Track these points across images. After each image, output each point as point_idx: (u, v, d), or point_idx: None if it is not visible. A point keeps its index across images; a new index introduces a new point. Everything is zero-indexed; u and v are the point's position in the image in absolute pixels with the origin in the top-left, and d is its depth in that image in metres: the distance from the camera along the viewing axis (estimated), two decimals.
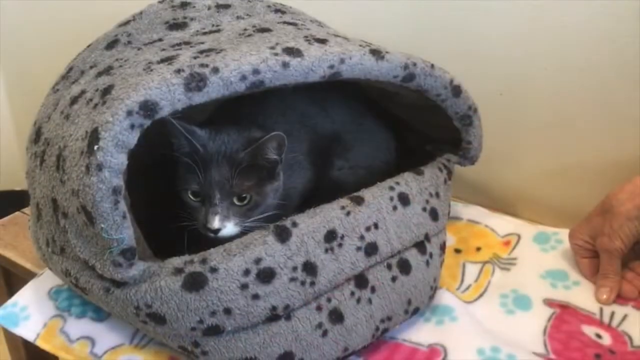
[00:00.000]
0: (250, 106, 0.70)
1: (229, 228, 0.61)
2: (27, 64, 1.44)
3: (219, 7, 0.71)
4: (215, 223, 0.60)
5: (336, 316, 0.58)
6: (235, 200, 0.61)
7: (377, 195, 0.63)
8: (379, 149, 0.79)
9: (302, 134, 0.72)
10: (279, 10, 0.74)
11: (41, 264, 0.76)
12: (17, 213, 0.87)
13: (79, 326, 0.66)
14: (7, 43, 1.45)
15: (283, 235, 0.56)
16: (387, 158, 0.80)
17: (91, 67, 0.63)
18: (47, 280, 0.72)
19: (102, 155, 0.50)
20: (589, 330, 0.66)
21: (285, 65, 0.57)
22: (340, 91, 0.74)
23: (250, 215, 0.62)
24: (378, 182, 0.66)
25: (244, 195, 0.61)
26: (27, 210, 0.88)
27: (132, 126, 0.51)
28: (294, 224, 0.57)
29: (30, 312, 0.69)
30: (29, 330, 0.67)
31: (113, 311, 0.59)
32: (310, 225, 0.57)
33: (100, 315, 0.67)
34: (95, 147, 0.50)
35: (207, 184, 0.60)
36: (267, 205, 0.64)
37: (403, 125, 0.82)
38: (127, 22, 0.69)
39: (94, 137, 0.51)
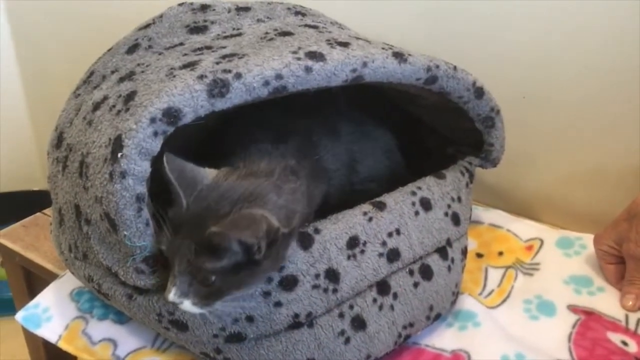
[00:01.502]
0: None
1: (187, 306, 0.51)
2: (46, 67, 1.45)
3: (239, 10, 0.71)
4: (170, 296, 0.51)
5: (359, 323, 0.58)
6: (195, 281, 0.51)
7: (399, 201, 0.62)
8: (383, 154, 0.77)
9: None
10: (299, 13, 0.74)
11: (62, 265, 0.77)
12: (38, 214, 0.87)
13: (101, 328, 0.67)
14: (26, 46, 1.46)
15: (305, 242, 0.56)
16: (390, 162, 0.77)
17: (112, 72, 0.63)
18: (68, 281, 0.73)
19: (125, 163, 0.50)
20: (615, 338, 0.65)
21: (308, 69, 0.57)
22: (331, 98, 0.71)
23: (219, 297, 0.52)
24: (386, 187, 0.65)
25: (204, 277, 0.51)
26: (47, 211, 0.88)
27: (156, 133, 0.51)
28: (316, 231, 0.57)
29: (52, 313, 0.69)
30: (51, 331, 0.67)
31: (135, 317, 0.59)
32: (332, 231, 0.57)
33: (122, 318, 0.67)
34: (119, 155, 0.50)
35: (172, 249, 0.51)
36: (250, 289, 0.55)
37: (424, 127, 0.81)
38: (147, 26, 0.68)
39: (117, 144, 0.51)
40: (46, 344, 0.88)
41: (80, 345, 0.65)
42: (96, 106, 0.57)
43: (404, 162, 0.78)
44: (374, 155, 0.74)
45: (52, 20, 1.36)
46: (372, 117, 0.77)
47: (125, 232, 0.51)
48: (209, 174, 0.56)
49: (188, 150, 0.57)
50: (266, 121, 0.66)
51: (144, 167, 0.51)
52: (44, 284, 0.77)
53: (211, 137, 0.67)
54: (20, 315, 0.70)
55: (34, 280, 0.84)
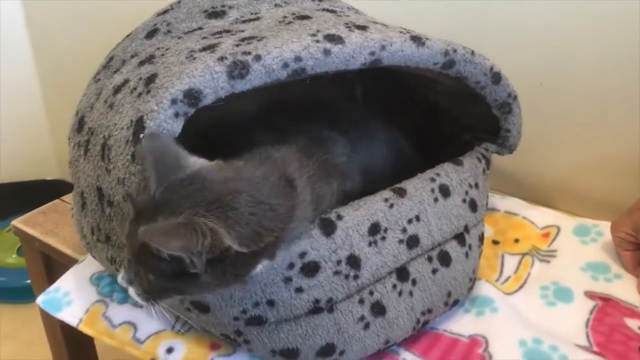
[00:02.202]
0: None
1: (132, 293, 0.52)
2: (61, 57, 1.46)
3: None
4: (119, 278, 0.51)
5: (378, 309, 0.58)
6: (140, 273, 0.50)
7: (419, 187, 0.62)
8: (390, 152, 0.75)
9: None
10: None
11: (82, 250, 0.77)
12: (57, 201, 0.88)
13: (121, 312, 0.67)
14: (40, 36, 1.47)
15: (328, 229, 0.56)
16: (398, 158, 0.75)
17: (132, 57, 0.63)
18: (88, 266, 0.73)
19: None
20: (632, 324, 0.65)
21: (326, 52, 0.57)
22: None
23: (159, 297, 0.52)
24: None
25: (143, 274, 0.50)
26: (66, 197, 0.89)
27: (177, 114, 0.52)
28: (339, 217, 0.57)
29: (73, 297, 0.70)
30: (71, 315, 0.68)
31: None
32: (354, 218, 0.57)
33: None
34: (141, 136, 0.51)
35: (129, 233, 0.49)
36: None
37: (440, 113, 0.81)
38: (165, 11, 0.69)
39: (139, 126, 0.51)
40: (64, 328, 0.89)
41: (101, 329, 0.66)
42: (117, 89, 0.57)
43: (414, 156, 0.78)
44: (381, 153, 0.73)
45: (67, 10, 1.37)
46: (382, 112, 0.77)
47: None
48: (197, 164, 0.51)
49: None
50: (269, 121, 0.66)
51: None
52: (62, 270, 0.78)
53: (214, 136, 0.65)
54: (40, 300, 0.71)
55: (52, 266, 0.84)
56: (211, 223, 0.47)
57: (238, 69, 0.53)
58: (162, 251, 0.46)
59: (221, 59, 0.53)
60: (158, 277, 0.49)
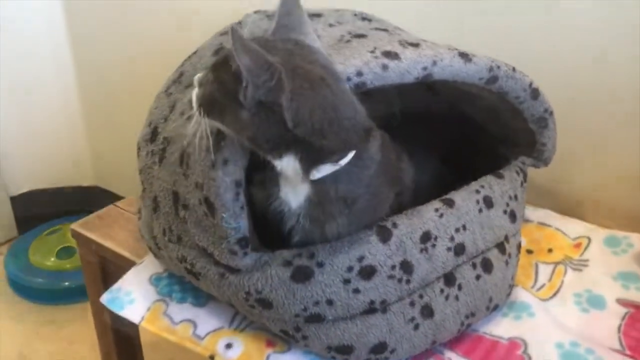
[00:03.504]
0: None
1: (193, 94, 0.57)
2: (99, 67, 1.50)
3: (311, 16, 0.75)
4: (195, 78, 0.59)
5: (427, 311, 0.63)
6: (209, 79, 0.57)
7: (466, 198, 0.67)
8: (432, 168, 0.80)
9: None
10: (365, 19, 0.79)
11: (138, 252, 0.82)
12: (110, 206, 0.93)
13: (180, 310, 0.72)
14: (81, 47, 1.52)
15: (385, 236, 0.60)
16: (434, 173, 0.80)
17: None
18: (147, 268, 0.78)
19: (228, 152, 0.55)
20: None
21: (384, 67, 0.62)
22: None
23: (206, 112, 0.56)
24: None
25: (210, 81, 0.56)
26: (119, 203, 0.94)
27: None
28: (394, 225, 0.61)
29: (135, 296, 0.75)
30: (134, 313, 0.73)
31: (223, 296, 0.64)
32: (408, 226, 0.62)
33: (200, 300, 0.72)
34: (222, 144, 0.56)
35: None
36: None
37: (476, 129, 0.86)
38: (227, 32, 0.74)
39: (220, 135, 0.56)
40: (114, 329, 0.94)
41: (162, 326, 0.71)
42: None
43: (447, 170, 0.82)
44: (427, 167, 0.78)
45: (109, 26, 1.42)
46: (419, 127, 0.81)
47: (223, 214, 0.57)
48: (316, 42, 0.58)
49: None
50: None
51: (242, 156, 0.56)
52: (116, 271, 0.83)
53: None
54: (105, 298, 0.75)
55: (108, 267, 0.89)
56: (286, 77, 0.51)
57: None
58: (233, 60, 0.50)
59: None
60: (217, 88, 0.54)
